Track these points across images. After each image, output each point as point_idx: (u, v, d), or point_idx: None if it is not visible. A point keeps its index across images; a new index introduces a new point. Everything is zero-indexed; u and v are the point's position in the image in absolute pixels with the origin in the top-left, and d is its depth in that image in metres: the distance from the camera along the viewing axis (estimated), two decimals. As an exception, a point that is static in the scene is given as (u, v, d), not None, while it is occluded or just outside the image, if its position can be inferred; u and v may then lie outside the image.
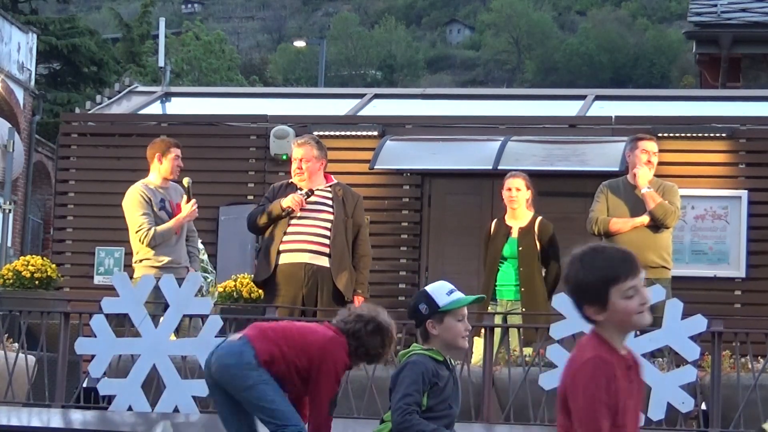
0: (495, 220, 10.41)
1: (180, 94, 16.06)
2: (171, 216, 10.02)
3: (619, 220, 9.89)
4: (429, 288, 5.88)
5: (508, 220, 10.24)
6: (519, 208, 10.15)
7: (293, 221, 9.66)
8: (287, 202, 9.62)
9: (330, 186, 9.83)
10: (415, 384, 5.65)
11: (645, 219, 9.85)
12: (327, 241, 9.64)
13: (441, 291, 5.79)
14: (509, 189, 10.15)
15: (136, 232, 9.88)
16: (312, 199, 9.70)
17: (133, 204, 9.95)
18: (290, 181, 9.85)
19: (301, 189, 9.70)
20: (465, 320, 5.76)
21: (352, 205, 9.79)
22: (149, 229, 9.82)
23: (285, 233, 9.62)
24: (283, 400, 6.03)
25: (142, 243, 9.86)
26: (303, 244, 9.64)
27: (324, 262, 9.63)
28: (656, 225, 9.87)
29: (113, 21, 46.57)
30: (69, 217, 13.91)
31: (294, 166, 9.76)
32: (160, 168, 10.08)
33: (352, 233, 9.76)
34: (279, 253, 9.62)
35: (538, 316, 9.72)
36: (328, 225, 9.67)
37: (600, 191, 10.11)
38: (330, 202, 9.73)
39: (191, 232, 10.36)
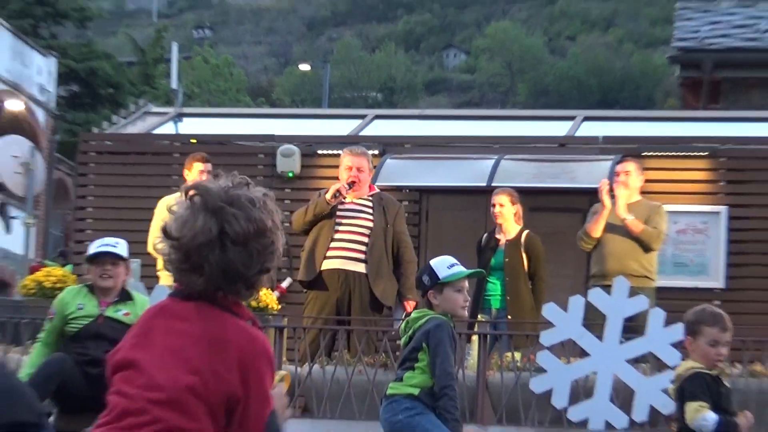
0: (486, 233, 10.47)
1: (192, 115, 16.09)
2: None
3: (589, 223, 10.02)
4: (433, 261, 6.02)
5: (498, 234, 10.28)
6: (505, 223, 10.18)
7: (337, 227, 9.57)
8: (331, 191, 9.52)
9: (372, 195, 9.77)
10: (451, 346, 5.76)
11: (606, 208, 9.93)
12: (364, 248, 9.53)
13: (443, 264, 5.94)
14: (493, 205, 10.21)
15: (154, 243, 9.97)
16: (352, 207, 9.64)
17: (155, 217, 10.05)
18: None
19: (344, 197, 9.62)
20: (464, 292, 5.91)
21: (393, 214, 9.69)
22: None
23: (332, 239, 9.53)
24: None
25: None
26: (340, 251, 9.54)
27: (359, 267, 9.53)
28: (643, 247, 9.97)
29: (128, 45, 46.65)
30: (88, 230, 13.95)
31: (345, 174, 9.63)
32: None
33: (393, 241, 9.65)
34: (324, 258, 9.55)
35: (523, 324, 9.78)
36: (367, 231, 9.55)
37: (591, 213, 10.25)
38: (370, 210, 9.64)
39: None
